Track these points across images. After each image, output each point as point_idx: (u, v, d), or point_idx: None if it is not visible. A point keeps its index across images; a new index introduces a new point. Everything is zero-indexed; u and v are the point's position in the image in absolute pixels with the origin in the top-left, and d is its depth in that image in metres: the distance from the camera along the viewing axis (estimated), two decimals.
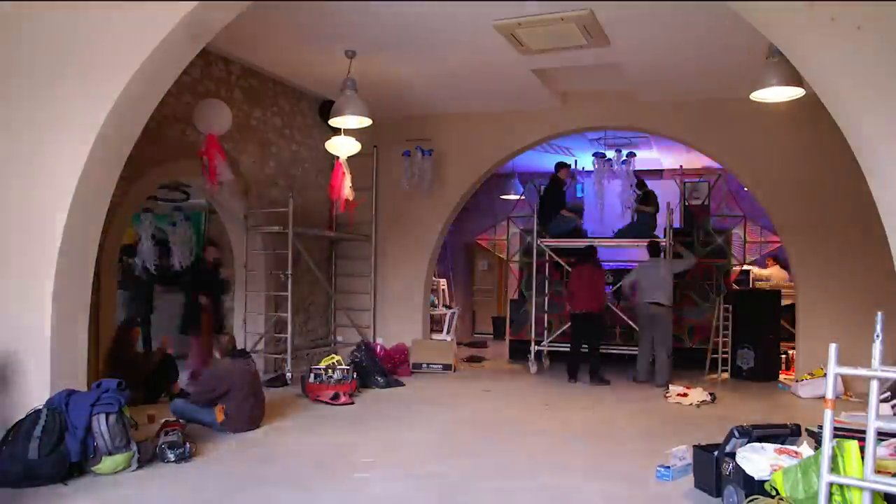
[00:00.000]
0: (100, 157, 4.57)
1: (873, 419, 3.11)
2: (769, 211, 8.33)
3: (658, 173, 12.47)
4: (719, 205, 10.32)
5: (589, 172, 10.78)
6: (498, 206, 12.34)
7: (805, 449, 3.82)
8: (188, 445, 4.72)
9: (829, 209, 7.87)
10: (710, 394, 7.40)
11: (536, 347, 9.60)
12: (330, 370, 7.19)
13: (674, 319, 9.10)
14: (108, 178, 4.80)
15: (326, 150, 8.01)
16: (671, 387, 7.69)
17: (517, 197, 11.52)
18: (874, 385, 3.16)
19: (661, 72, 7.52)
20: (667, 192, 10.34)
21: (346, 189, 7.63)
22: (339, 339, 9.78)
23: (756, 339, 9.00)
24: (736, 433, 3.86)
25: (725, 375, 9.18)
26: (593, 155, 9.83)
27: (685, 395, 7.36)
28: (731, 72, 7.16)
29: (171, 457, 4.61)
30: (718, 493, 3.92)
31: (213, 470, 4.53)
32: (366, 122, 7.06)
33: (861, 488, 3.10)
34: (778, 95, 5.84)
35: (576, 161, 11.47)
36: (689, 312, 9.95)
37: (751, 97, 5.97)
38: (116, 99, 4.44)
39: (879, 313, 3.15)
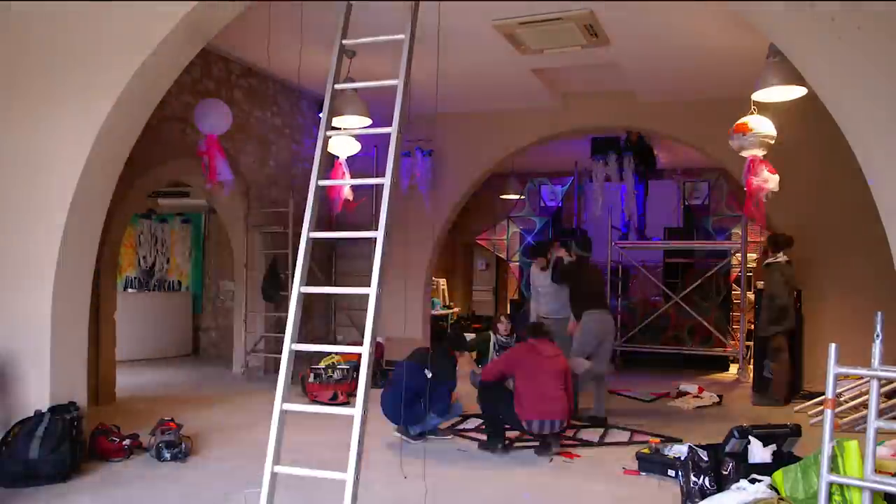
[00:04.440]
0: (100, 156, 4.57)
1: (873, 419, 3.11)
2: (769, 211, 8.30)
3: (658, 173, 12.48)
4: (719, 205, 10.31)
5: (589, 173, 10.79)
6: (498, 206, 12.34)
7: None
8: (184, 444, 4.72)
9: (831, 209, 7.86)
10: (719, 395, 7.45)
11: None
12: (330, 370, 7.19)
13: (673, 319, 9.07)
14: (108, 177, 4.80)
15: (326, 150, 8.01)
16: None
17: (517, 197, 11.52)
18: (874, 385, 3.16)
19: (661, 72, 7.52)
20: (667, 192, 10.36)
21: (346, 189, 7.63)
22: (339, 338, 9.78)
23: (790, 347, 7.67)
24: (736, 433, 3.86)
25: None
26: (592, 157, 9.83)
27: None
28: (731, 72, 7.16)
29: (168, 456, 4.60)
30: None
31: (210, 469, 4.53)
32: (365, 121, 7.07)
33: (861, 488, 3.10)
34: (779, 96, 5.83)
35: (576, 163, 11.46)
36: (689, 312, 9.94)
37: (752, 98, 5.97)
38: (117, 99, 4.44)
39: (879, 313, 3.15)
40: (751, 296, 9.97)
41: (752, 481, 3.57)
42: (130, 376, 7.76)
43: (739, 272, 10.03)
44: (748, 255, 10.05)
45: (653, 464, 4.47)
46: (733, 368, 9.80)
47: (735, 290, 10.58)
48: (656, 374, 9.07)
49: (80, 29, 4.57)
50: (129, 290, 10.61)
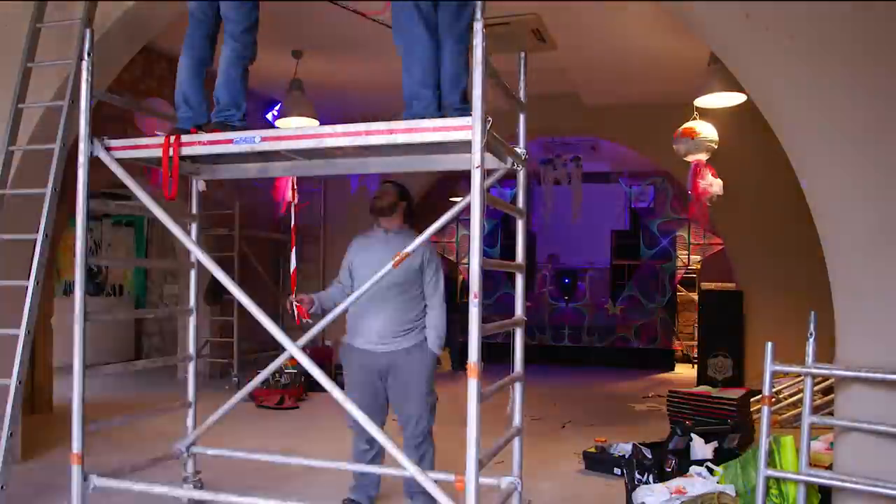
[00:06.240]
0: (33, 157, 4.41)
1: (807, 414, 3.22)
2: (713, 214, 8.51)
3: (604, 176, 12.70)
4: (664, 207, 10.54)
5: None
6: (448, 208, 12.34)
7: (692, 483, 3.68)
8: None
9: (772, 212, 8.08)
10: None
11: None
12: (277, 374, 7.10)
13: (620, 320, 9.20)
14: (40, 180, 4.63)
15: None
16: None
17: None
18: (808, 382, 3.27)
19: (607, 78, 7.64)
20: (613, 195, 10.55)
21: (289, 191, 7.58)
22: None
23: (733, 346, 8.00)
24: (678, 431, 3.94)
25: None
26: (540, 162, 9.96)
27: None
28: (675, 77, 7.31)
29: None
30: None
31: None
32: (313, 123, 7.02)
33: (796, 481, 3.21)
34: (721, 102, 6.00)
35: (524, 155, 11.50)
36: (636, 313, 10.14)
37: (695, 104, 6.13)
38: (52, 97, 4.30)
39: (812, 313, 3.26)
40: (694, 296, 10.22)
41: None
42: (70, 383, 7.49)
43: (684, 274, 10.30)
44: (692, 257, 10.30)
45: (599, 462, 4.53)
46: (679, 368, 10.03)
47: (680, 292, 10.83)
48: (601, 374, 9.22)
49: (14, 27, 4.40)
50: (70, 294, 10.28)
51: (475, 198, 2.69)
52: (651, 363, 9.86)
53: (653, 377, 9.23)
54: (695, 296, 10.13)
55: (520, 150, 3.44)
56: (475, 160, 2.68)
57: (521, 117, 3.62)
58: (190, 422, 3.93)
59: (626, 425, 6.12)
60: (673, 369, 10.06)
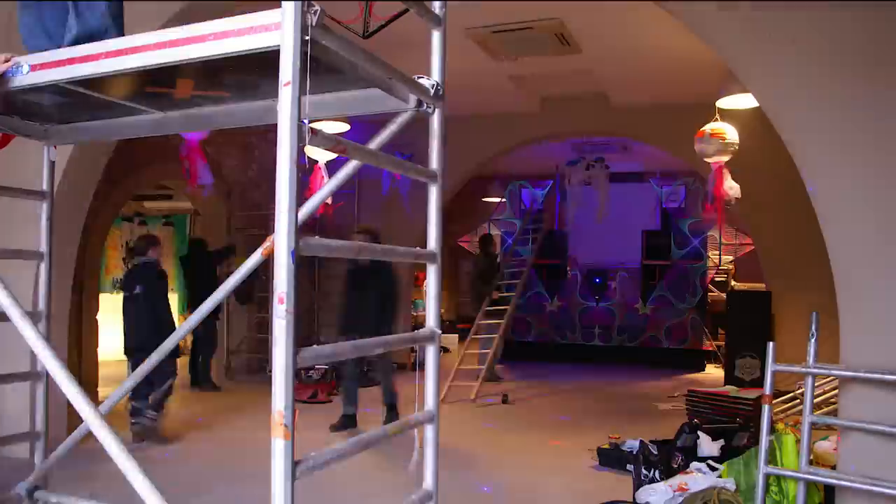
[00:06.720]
0: (77, 159, 4.68)
1: (808, 414, 3.29)
2: (743, 214, 8.49)
3: (636, 176, 12.67)
4: (695, 207, 10.50)
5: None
6: (480, 209, 12.50)
7: (694, 479, 3.75)
8: None
9: (801, 212, 7.98)
10: None
11: None
12: (309, 370, 7.34)
13: (651, 320, 9.18)
14: (87, 181, 4.92)
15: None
16: None
17: (498, 199, 11.70)
18: (809, 381, 3.34)
19: (632, 79, 7.68)
20: (644, 195, 10.55)
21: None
22: (322, 339, 9.91)
23: (762, 347, 7.75)
24: (686, 429, 4.03)
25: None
26: (567, 163, 10.03)
27: None
28: (701, 76, 7.30)
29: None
30: None
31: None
32: (343, 127, 7.22)
33: (796, 479, 3.28)
34: (748, 102, 6.01)
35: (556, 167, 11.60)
36: (667, 313, 10.14)
37: (717, 105, 6.16)
38: None
39: (814, 314, 3.33)
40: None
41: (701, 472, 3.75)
42: (117, 376, 7.86)
43: (715, 274, 10.24)
44: (723, 257, 10.25)
45: (612, 458, 4.63)
46: (709, 368, 9.99)
47: (712, 292, 10.78)
48: (631, 374, 9.25)
49: None
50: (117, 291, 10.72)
51: (283, 139, 1.57)
52: (681, 363, 9.85)
53: (682, 377, 9.22)
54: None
55: (428, 81, 2.20)
56: (284, 73, 1.52)
57: (436, 34, 2.26)
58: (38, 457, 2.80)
59: (647, 424, 6.18)
60: (703, 369, 10.04)
